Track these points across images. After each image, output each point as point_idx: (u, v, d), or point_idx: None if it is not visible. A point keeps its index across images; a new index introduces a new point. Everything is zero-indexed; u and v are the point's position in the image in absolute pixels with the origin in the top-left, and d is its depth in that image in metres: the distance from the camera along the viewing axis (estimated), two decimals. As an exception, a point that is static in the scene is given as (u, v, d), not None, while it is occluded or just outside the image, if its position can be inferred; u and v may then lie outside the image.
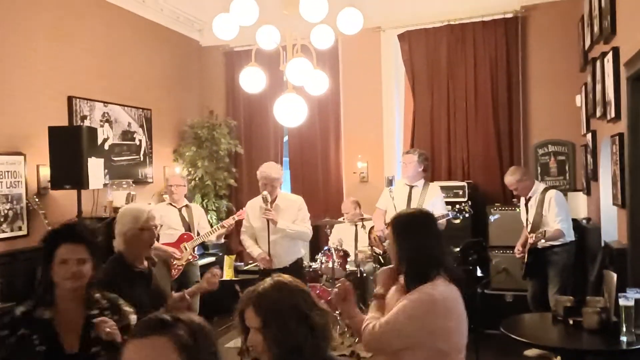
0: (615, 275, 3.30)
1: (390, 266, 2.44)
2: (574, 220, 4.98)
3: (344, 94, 6.64)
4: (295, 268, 4.43)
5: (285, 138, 7.05)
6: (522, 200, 4.95)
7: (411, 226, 2.34)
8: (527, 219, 4.86)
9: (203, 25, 6.91)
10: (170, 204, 5.26)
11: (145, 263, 2.90)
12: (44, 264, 2.19)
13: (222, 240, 6.11)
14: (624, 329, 3.01)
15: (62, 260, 2.17)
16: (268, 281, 1.78)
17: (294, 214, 4.43)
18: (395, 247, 2.30)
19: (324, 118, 6.67)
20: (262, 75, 3.57)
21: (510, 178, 4.90)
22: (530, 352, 4.23)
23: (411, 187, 4.91)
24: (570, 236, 4.69)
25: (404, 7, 6.28)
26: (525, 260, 4.73)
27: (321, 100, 5.94)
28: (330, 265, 5.22)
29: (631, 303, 2.99)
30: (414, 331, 2.14)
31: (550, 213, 4.66)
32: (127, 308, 2.37)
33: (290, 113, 3.51)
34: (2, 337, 2.10)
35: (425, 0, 6.18)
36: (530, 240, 4.64)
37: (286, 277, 1.80)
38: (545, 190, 4.79)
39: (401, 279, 2.32)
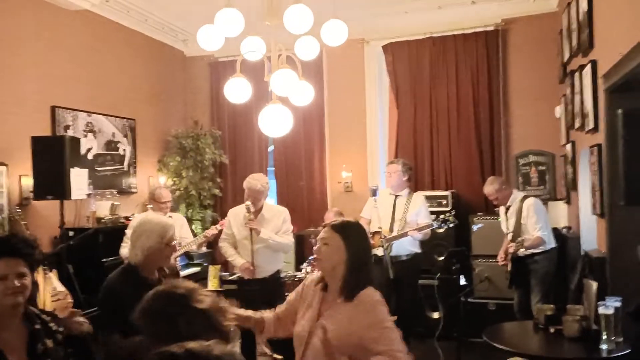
0: (595, 284, 3.36)
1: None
2: (555, 229, 5.05)
3: (328, 105, 6.68)
4: (275, 279, 4.46)
5: (271, 148, 7.06)
6: (502, 209, 5.01)
7: (360, 233, 2.44)
8: (507, 228, 4.92)
9: (188, 36, 6.91)
10: (153, 215, 5.20)
11: (156, 273, 2.85)
12: None
13: (204, 250, 6.09)
14: (604, 337, 3.06)
15: (0, 276, 2.06)
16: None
17: (278, 225, 4.44)
18: (344, 252, 2.32)
19: (309, 128, 6.70)
20: (247, 86, 3.55)
21: (490, 188, 4.95)
22: (512, 360, 4.27)
23: (396, 196, 4.95)
24: (550, 243, 4.74)
25: (388, 19, 6.35)
26: (509, 269, 4.79)
27: (306, 111, 5.96)
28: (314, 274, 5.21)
29: (611, 311, 3.05)
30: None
31: (529, 221, 4.72)
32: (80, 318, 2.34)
33: (275, 123, 3.50)
34: None
35: (408, 12, 6.24)
36: (510, 250, 4.70)
37: (173, 283, 1.91)
38: (524, 198, 4.86)
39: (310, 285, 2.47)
